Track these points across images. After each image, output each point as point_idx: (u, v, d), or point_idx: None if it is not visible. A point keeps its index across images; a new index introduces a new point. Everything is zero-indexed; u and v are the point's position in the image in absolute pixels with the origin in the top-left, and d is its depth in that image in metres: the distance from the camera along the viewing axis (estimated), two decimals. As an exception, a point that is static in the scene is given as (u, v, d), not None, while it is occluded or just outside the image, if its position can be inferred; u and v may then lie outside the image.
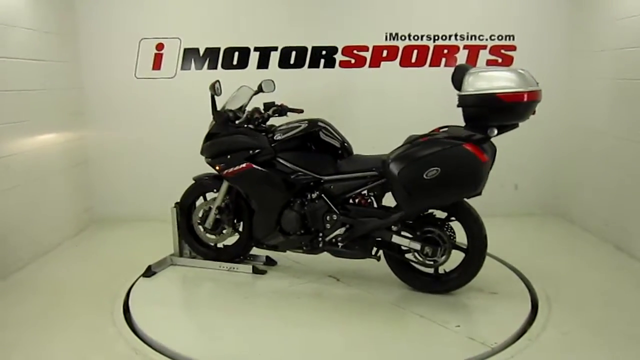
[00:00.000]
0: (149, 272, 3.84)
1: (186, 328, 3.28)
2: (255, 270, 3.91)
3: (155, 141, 5.34)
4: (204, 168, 3.93)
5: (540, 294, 3.50)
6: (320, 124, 3.66)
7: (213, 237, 4.01)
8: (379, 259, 3.59)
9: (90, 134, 5.33)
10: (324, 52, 5.26)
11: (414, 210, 3.39)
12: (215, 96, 3.78)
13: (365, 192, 3.57)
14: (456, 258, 3.47)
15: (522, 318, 3.17)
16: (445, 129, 3.37)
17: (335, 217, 3.56)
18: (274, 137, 3.67)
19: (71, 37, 5.09)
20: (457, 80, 3.17)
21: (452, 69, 3.31)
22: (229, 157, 3.71)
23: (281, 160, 3.64)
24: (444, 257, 3.40)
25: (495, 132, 3.10)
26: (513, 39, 5.24)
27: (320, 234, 3.62)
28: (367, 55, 5.27)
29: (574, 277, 3.86)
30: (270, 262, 4.07)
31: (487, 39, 5.24)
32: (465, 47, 5.25)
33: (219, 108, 3.84)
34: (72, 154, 5.06)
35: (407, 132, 3.69)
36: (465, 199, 3.37)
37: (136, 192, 5.35)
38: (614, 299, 3.48)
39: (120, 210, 5.37)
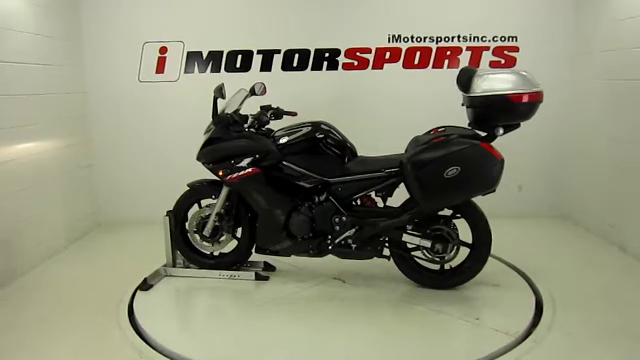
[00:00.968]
0: (145, 285, 3.69)
1: (193, 333, 3.27)
2: (258, 277, 3.83)
3: (160, 144, 5.36)
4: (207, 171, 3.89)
5: (545, 296, 3.50)
6: (323, 126, 3.66)
7: (209, 245, 3.89)
8: (389, 258, 3.64)
9: (95, 138, 5.35)
10: (326, 55, 5.27)
11: (432, 209, 3.50)
12: (221, 100, 3.71)
13: (371, 193, 3.62)
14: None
15: (526, 321, 3.17)
16: (442, 128, 3.51)
17: (344, 218, 3.57)
18: (279, 141, 3.64)
19: (75, 41, 5.12)
20: (464, 81, 3.30)
21: (455, 71, 3.45)
22: (232, 162, 3.65)
23: (288, 164, 3.62)
24: (452, 253, 3.53)
25: (502, 131, 3.26)
26: (516, 40, 5.24)
27: (329, 237, 3.62)
28: (370, 57, 5.28)
29: (578, 278, 3.85)
30: (268, 267, 3.99)
31: (489, 40, 5.24)
32: (467, 48, 5.25)
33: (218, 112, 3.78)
34: (77, 158, 5.09)
35: (410, 133, 3.72)
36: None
37: (141, 195, 5.37)
38: (618, 301, 3.47)
39: (125, 213, 5.39)
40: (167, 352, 2.92)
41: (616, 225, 4.51)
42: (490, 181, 3.30)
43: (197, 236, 3.89)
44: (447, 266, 3.65)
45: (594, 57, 4.89)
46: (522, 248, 4.46)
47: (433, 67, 5.27)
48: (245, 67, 5.26)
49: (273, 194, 3.67)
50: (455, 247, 3.52)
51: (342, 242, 3.61)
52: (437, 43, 5.26)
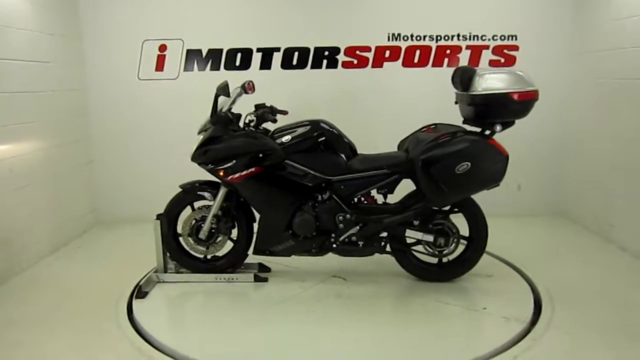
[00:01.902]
0: (141, 293, 3.57)
1: (194, 332, 3.23)
2: (257, 279, 3.78)
3: (159, 142, 5.36)
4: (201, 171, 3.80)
5: (543, 294, 3.51)
6: (323, 125, 3.66)
7: (203, 248, 3.78)
8: (392, 254, 3.72)
9: (95, 135, 5.35)
10: (326, 53, 5.27)
11: (442, 204, 3.61)
12: (223, 98, 3.61)
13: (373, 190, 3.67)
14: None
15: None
16: (433, 126, 3.69)
17: (348, 216, 3.59)
18: (282, 139, 3.60)
19: (75, 39, 5.11)
20: (464, 80, 3.41)
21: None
22: (234, 161, 3.58)
23: (291, 163, 3.59)
24: (452, 247, 3.63)
25: (499, 128, 3.38)
26: (515, 39, 5.24)
27: (332, 235, 3.64)
28: (370, 55, 5.28)
29: (577, 277, 3.85)
30: (263, 269, 3.94)
31: (489, 39, 5.24)
32: (467, 47, 5.25)
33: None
34: (77, 155, 5.09)
35: (410, 131, 3.74)
36: None
37: (140, 193, 5.36)
38: (617, 299, 3.48)
39: (124, 211, 5.40)
40: (166, 350, 2.92)
41: (615, 223, 4.51)
42: (497, 175, 3.42)
43: (191, 240, 3.77)
44: (444, 259, 3.73)
45: (593, 56, 4.89)
46: (521, 246, 4.46)
47: (433, 65, 5.27)
48: (245, 65, 5.25)
49: (277, 194, 3.63)
50: (456, 241, 3.62)
51: (346, 240, 3.64)
52: (436, 42, 5.26)
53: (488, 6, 5.27)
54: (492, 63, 5.24)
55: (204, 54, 5.25)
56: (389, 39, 5.26)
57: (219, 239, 3.77)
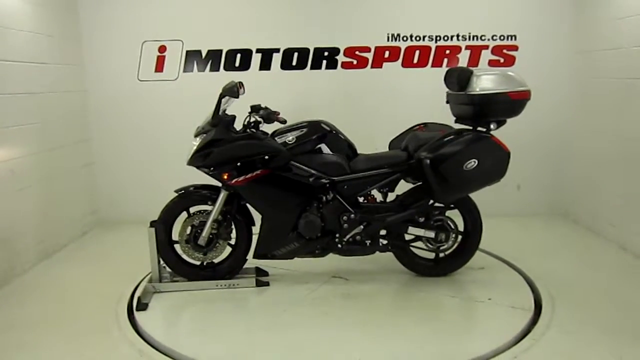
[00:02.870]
0: (141, 305, 3.40)
1: (199, 335, 3.14)
2: (259, 283, 3.71)
3: (159, 143, 5.37)
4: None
5: (543, 294, 3.51)
6: (323, 125, 3.66)
7: (200, 255, 3.65)
8: (392, 251, 3.79)
9: (95, 137, 5.35)
10: (326, 54, 5.27)
11: (448, 201, 3.68)
12: (229, 99, 3.51)
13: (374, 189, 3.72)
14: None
15: (526, 317, 3.19)
16: (423, 125, 3.84)
17: (353, 216, 3.61)
18: (286, 141, 3.56)
19: (75, 40, 5.12)
20: (462, 81, 3.48)
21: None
22: (239, 164, 3.52)
23: (296, 164, 3.57)
24: (451, 242, 3.73)
25: (495, 126, 3.51)
26: (515, 39, 5.24)
27: (337, 235, 3.65)
28: (369, 56, 5.29)
29: (578, 277, 3.85)
30: (261, 273, 3.84)
31: (489, 39, 5.25)
32: (467, 47, 5.25)
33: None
34: (77, 157, 5.09)
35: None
36: None
37: (141, 194, 5.37)
38: (618, 299, 3.48)
39: (125, 212, 5.40)
40: (168, 351, 2.92)
41: (616, 224, 4.51)
42: (501, 171, 3.53)
43: (189, 246, 3.64)
44: (440, 254, 3.84)
45: (593, 56, 4.90)
46: (521, 247, 4.46)
47: (432, 66, 5.27)
48: (245, 66, 5.26)
49: (283, 195, 3.60)
50: (454, 236, 3.72)
51: (350, 239, 3.66)
52: (436, 42, 5.27)
53: (487, 6, 5.27)
54: (492, 63, 5.25)
55: (203, 55, 5.26)
56: (388, 40, 5.26)
57: (218, 244, 3.67)
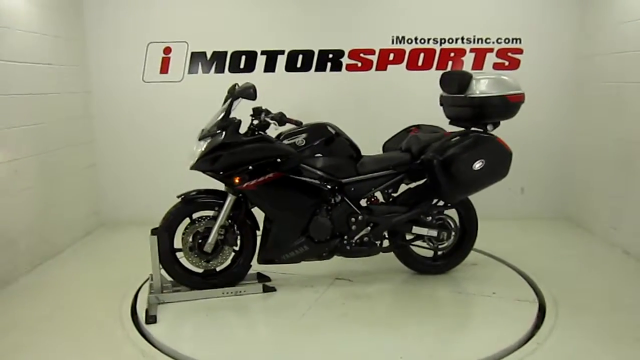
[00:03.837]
0: (151, 318, 3.23)
1: (207, 339, 3.11)
2: (266, 289, 3.64)
3: (163, 144, 5.37)
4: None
5: (547, 298, 3.50)
6: (329, 127, 3.65)
7: (204, 262, 3.53)
8: (395, 250, 3.85)
9: (99, 137, 5.37)
10: (330, 56, 5.28)
11: (455, 200, 3.76)
12: (240, 101, 3.42)
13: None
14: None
15: (529, 322, 3.18)
16: (416, 127, 3.95)
17: (360, 218, 3.63)
18: (296, 143, 3.53)
19: (80, 41, 5.14)
20: (462, 84, 3.59)
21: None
22: (250, 167, 3.43)
23: (306, 166, 3.56)
24: (451, 240, 3.81)
25: (492, 127, 3.61)
26: (520, 42, 5.24)
27: (345, 237, 3.65)
28: (374, 58, 5.29)
29: (581, 280, 3.84)
30: (263, 278, 3.74)
31: (494, 42, 5.24)
32: (471, 50, 5.25)
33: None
34: (81, 157, 5.10)
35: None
36: None
37: (144, 195, 5.38)
38: (621, 303, 3.47)
39: (128, 213, 5.41)
40: (171, 352, 2.91)
41: (619, 227, 4.50)
42: (505, 170, 3.64)
43: (194, 254, 3.51)
44: (438, 252, 3.93)
45: (597, 59, 4.89)
46: (524, 250, 4.45)
47: (437, 68, 5.27)
48: (249, 67, 5.27)
49: (295, 198, 3.55)
50: (454, 234, 3.81)
51: (358, 241, 3.69)
52: (440, 45, 5.27)
53: (492, 9, 5.27)
54: (496, 66, 5.25)
55: (208, 57, 5.27)
56: (393, 42, 5.26)
57: (224, 250, 3.55)
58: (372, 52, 5.28)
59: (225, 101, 3.52)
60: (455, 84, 3.65)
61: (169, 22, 5.27)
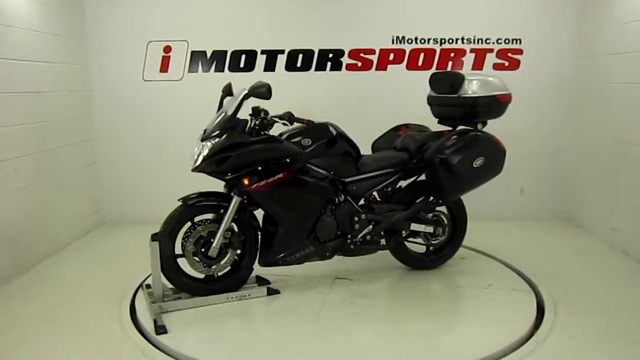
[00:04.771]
0: (161, 329, 3.09)
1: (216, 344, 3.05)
2: (270, 292, 3.58)
3: (163, 143, 5.37)
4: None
5: (546, 298, 3.50)
6: (331, 127, 3.63)
7: (206, 267, 3.41)
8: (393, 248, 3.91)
9: (99, 136, 5.37)
10: (330, 55, 5.28)
11: (456, 197, 3.86)
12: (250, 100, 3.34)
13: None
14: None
15: (528, 323, 3.18)
16: (405, 126, 4.06)
17: (363, 216, 3.65)
18: (302, 143, 3.47)
19: (80, 39, 5.13)
20: (455, 84, 3.72)
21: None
22: (259, 168, 3.36)
23: (312, 167, 3.52)
24: (444, 236, 3.94)
25: (482, 126, 3.74)
26: (520, 43, 5.24)
27: (348, 236, 3.67)
28: (374, 58, 5.29)
29: (580, 281, 3.85)
30: (262, 281, 3.68)
31: (494, 43, 5.24)
32: (472, 50, 5.25)
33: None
34: (82, 156, 5.11)
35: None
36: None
37: (144, 194, 5.39)
38: (621, 304, 3.47)
39: (128, 212, 5.41)
40: (169, 351, 2.92)
41: (619, 228, 4.50)
42: (500, 168, 3.77)
43: (197, 259, 3.39)
44: (430, 248, 4.04)
45: (597, 60, 4.89)
46: (524, 250, 4.45)
47: (437, 68, 5.27)
48: (250, 67, 5.27)
49: (304, 198, 3.49)
50: (447, 230, 3.93)
51: (361, 239, 3.71)
52: (440, 45, 5.27)
53: (493, 9, 5.26)
54: (497, 66, 5.24)
55: (208, 56, 5.27)
56: (393, 42, 5.26)
57: (227, 255, 3.44)
58: (372, 51, 5.28)
59: (221, 101, 3.50)
60: (447, 84, 3.76)
61: (169, 20, 5.27)
